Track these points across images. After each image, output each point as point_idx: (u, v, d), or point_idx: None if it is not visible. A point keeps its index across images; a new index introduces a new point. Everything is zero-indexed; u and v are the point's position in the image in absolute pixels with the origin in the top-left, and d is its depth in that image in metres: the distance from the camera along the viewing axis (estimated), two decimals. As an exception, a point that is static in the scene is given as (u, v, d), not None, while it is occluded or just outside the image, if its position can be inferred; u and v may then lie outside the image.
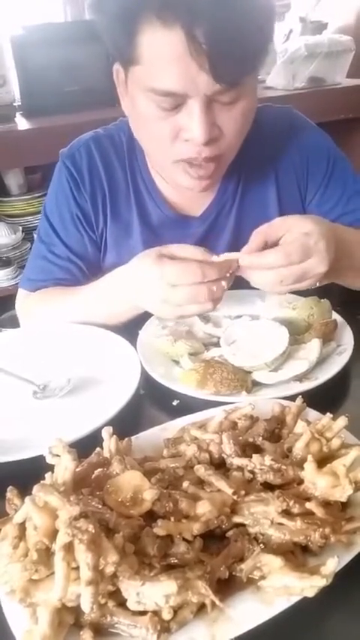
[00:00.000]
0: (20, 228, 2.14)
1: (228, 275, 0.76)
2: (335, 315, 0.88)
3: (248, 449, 0.59)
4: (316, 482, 0.52)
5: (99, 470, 0.55)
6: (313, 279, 0.77)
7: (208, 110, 0.79)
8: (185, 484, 0.54)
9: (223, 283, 0.75)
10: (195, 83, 0.75)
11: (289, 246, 0.75)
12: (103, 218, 1.04)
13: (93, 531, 0.44)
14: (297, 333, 0.83)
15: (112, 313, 0.93)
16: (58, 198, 1.04)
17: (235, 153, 0.90)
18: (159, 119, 0.81)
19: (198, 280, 0.74)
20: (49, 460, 0.54)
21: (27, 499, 0.48)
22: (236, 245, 1.00)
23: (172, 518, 0.50)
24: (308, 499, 0.52)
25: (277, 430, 0.63)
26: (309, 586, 0.46)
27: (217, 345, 0.85)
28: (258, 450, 0.58)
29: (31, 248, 1.10)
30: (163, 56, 0.75)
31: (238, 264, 0.76)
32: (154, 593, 0.45)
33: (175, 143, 0.83)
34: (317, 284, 0.80)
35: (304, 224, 0.77)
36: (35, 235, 1.10)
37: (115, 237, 1.05)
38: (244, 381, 0.76)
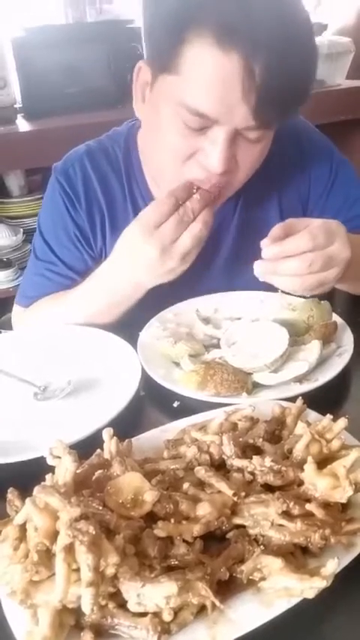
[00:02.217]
0: (21, 229, 2.14)
1: (195, 190, 0.78)
2: (335, 317, 0.88)
3: (248, 450, 0.59)
4: (316, 483, 0.52)
5: (99, 471, 0.55)
6: (338, 268, 0.75)
7: (232, 142, 0.77)
8: (185, 485, 0.54)
9: (197, 196, 0.77)
10: (232, 113, 0.73)
11: (314, 229, 0.73)
12: (101, 234, 1.01)
13: (93, 533, 0.44)
14: (297, 335, 0.83)
15: (112, 301, 0.92)
16: (53, 216, 1.02)
17: (240, 186, 0.87)
18: (179, 135, 0.79)
19: (171, 204, 0.75)
20: (50, 461, 0.54)
21: (28, 500, 0.48)
22: (237, 258, 0.99)
23: (173, 520, 0.50)
24: (308, 500, 0.52)
25: (277, 431, 0.63)
26: (309, 587, 0.46)
27: (217, 346, 0.85)
28: (258, 451, 0.59)
29: (31, 249, 1.08)
30: (208, 76, 0.71)
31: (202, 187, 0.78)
32: (154, 594, 0.45)
33: (187, 161, 0.81)
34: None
35: (322, 217, 0.77)
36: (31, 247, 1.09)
37: None
38: (245, 382, 0.76)
